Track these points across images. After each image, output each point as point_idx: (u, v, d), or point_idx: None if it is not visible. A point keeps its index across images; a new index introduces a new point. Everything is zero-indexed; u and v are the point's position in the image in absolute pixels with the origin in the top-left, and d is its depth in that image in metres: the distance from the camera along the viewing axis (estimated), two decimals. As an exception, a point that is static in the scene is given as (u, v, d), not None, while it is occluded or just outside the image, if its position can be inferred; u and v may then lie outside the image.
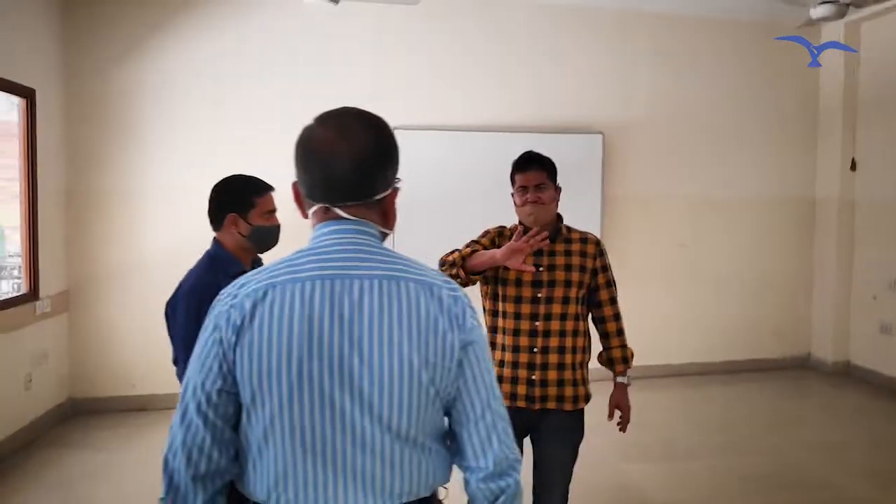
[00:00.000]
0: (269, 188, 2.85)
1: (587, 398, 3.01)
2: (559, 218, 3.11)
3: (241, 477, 1.48)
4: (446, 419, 1.53)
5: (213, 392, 1.41)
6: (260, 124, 6.19)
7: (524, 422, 2.95)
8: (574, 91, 6.99)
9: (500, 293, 3.00)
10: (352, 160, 1.46)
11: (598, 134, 6.97)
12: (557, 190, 3.03)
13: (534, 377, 2.92)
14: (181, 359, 2.59)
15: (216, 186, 2.79)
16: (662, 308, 7.30)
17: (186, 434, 1.42)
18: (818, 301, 7.72)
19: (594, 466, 4.81)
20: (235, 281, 1.49)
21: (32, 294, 5.34)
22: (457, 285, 1.53)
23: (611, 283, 3.07)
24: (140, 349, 6.05)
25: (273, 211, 2.82)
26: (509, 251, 2.70)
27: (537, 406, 2.94)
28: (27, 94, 5.25)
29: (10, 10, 5.17)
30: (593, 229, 6.94)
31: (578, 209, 6.89)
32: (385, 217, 1.55)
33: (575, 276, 2.97)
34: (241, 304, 1.41)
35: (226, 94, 6.16)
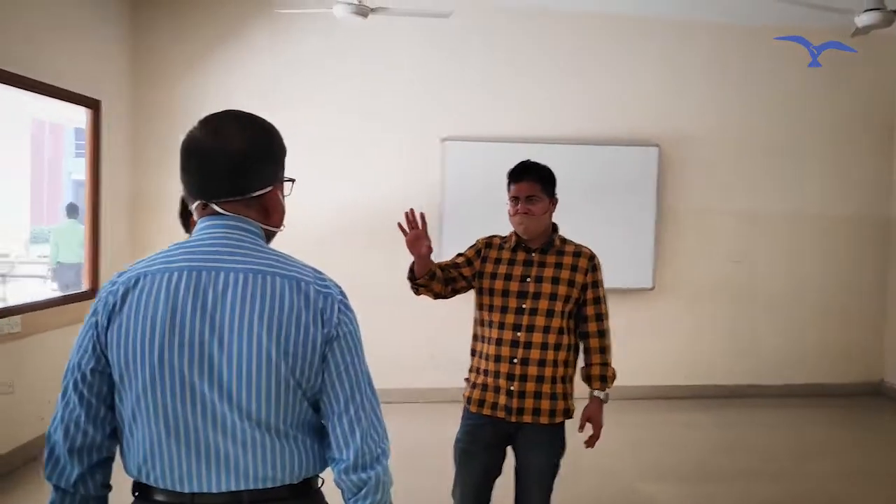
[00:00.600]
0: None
1: (566, 413, 2.99)
2: (554, 228, 3.11)
3: (121, 455, 1.58)
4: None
5: (88, 371, 1.50)
6: (310, 135, 6.39)
7: (503, 431, 2.98)
8: (629, 102, 6.89)
9: (488, 303, 3.02)
10: (226, 159, 1.53)
11: (654, 146, 6.84)
12: (553, 202, 3.04)
13: (512, 388, 2.93)
14: None
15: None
16: (715, 326, 7.09)
17: (64, 410, 1.52)
18: (893, 324, 7.32)
19: (607, 484, 4.75)
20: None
21: (92, 292, 5.71)
22: (330, 283, 1.57)
23: (599, 300, 3.02)
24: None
25: None
26: (409, 241, 2.84)
27: (514, 418, 2.94)
28: (93, 105, 5.62)
29: (83, 26, 5.56)
30: (646, 244, 6.83)
31: (631, 223, 6.79)
32: (266, 213, 1.60)
33: (562, 289, 2.95)
34: (116, 291, 1.50)
35: (278, 104, 6.38)
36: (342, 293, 1.57)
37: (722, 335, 7.11)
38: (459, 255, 3.14)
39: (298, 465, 1.53)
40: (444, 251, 6.60)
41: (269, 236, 1.63)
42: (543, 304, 2.92)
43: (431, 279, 2.94)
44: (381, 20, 5.46)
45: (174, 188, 5.80)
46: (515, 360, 2.92)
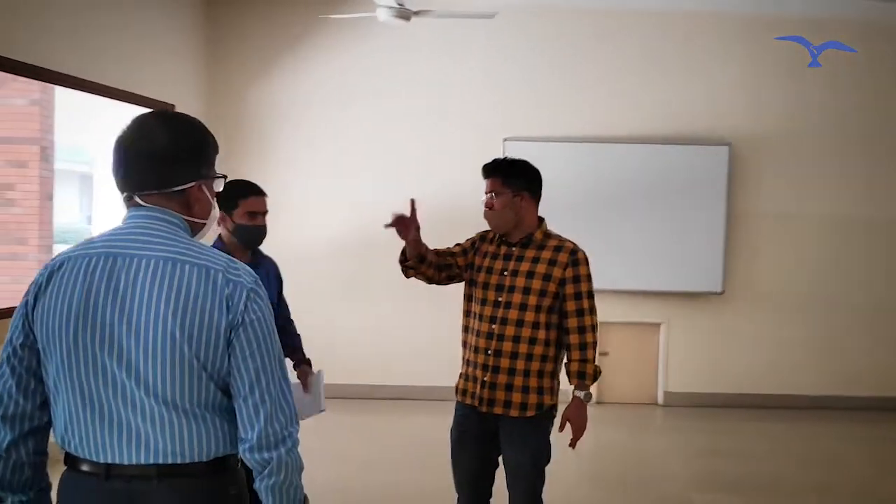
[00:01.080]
0: (256, 193, 3.14)
1: (539, 407, 2.96)
2: (541, 223, 3.11)
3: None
4: None
5: (18, 346, 1.63)
6: (373, 137, 6.58)
7: (487, 423, 3.01)
8: (697, 99, 6.67)
9: (472, 294, 3.11)
10: (147, 155, 1.65)
11: (725, 145, 6.60)
12: (522, 196, 3.03)
13: (486, 378, 2.97)
14: None
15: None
16: (791, 334, 6.70)
17: (8, 378, 1.65)
18: None
19: (661, 493, 4.62)
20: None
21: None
22: (243, 272, 1.65)
23: (580, 295, 2.97)
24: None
25: (257, 213, 3.12)
26: (397, 225, 2.98)
27: (485, 408, 2.98)
28: (168, 109, 6.04)
29: (161, 35, 6.05)
30: (715, 246, 6.57)
31: (699, 225, 6.58)
32: (188, 206, 1.70)
33: (536, 283, 2.96)
34: (44, 273, 1.63)
35: (342, 109, 6.65)
36: (255, 282, 1.66)
37: (799, 342, 6.71)
38: (457, 244, 3.24)
39: (208, 445, 1.62)
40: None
41: (195, 228, 1.74)
42: (517, 298, 2.95)
43: (421, 262, 3.04)
44: (434, 22, 5.58)
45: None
46: (490, 352, 2.97)
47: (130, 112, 6.25)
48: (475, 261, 3.12)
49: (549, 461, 3.03)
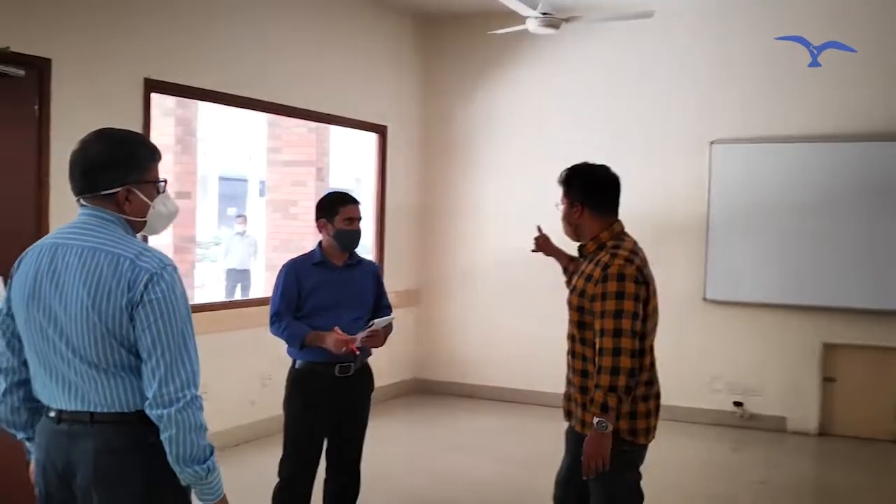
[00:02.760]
0: (353, 202, 3.51)
1: (587, 424, 2.77)
2: (611, 233, 2.92)
3: None
4: None
5: (4, 315, 2.08)
6: (574, 143, 6.56)
7: (573, 439, 2.98)
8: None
9: None
10: (82, 165, 2.01)
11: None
12: (577, 208, 2.91)
13: (565, 390, 3.01)
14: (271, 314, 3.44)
15: (318, 201, 3.54)
16: None
17: (1, 340, 2.08)
18: None
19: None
20: None
21: (377, 288, 6.73)
22: (153, 260, 1.94)
23: (603, 314, 2.73)
24: (471, 344, 7.02)
25: (353, 219, 3.48)
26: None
27: (566, 420, 3.00)
28: (380, 130, 6.69)
29: (376, 62, 6.72)
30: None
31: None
32: (120, 207, 2.02)
33: (574, 299, 2.89)
34: (18, 260, 2.06)
35: (540, 123, 6.74)
36: (163, 269, 1.95)
37: None
38: None
39: (127, 398, 1.96)
40: (711, 262, 6.24)
41: (136, 225, 2.07)
42: (573, 315, 2.91)
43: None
44: (621, 27, 5.45)
45: (457, 202, 6.56)
46: (567, 366, 3.00)
47: (355, 135, 7.11)
48: None
49: (622, 477, 2.87)
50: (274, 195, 9.48)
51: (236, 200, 18.16)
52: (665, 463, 5.40)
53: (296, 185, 9.68)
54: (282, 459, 3.49)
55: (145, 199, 2.06)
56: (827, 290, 5.90)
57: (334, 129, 8.58)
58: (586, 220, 2.92)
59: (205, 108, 8.50)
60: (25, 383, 2.09)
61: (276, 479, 3.49)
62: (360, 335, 3.34)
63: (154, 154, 2.13)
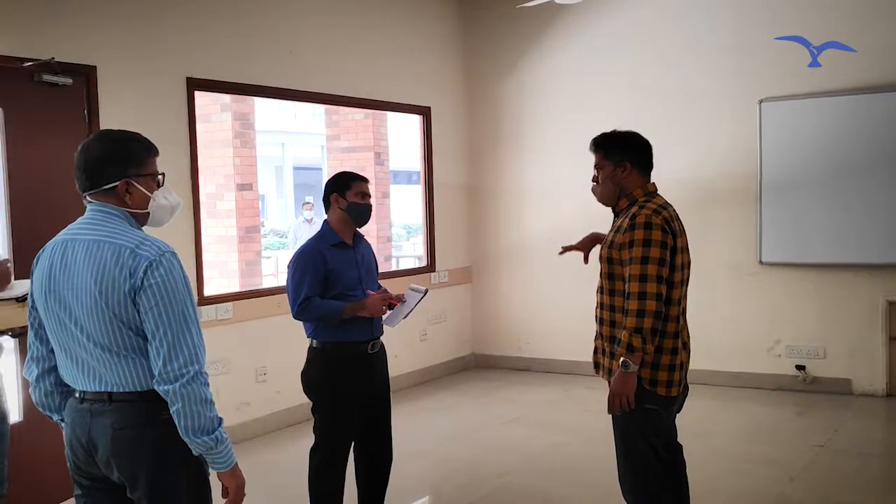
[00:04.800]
0: (364, 179, 3.61)
1: (613, 372, 2.90)
2: (639, 190, 3.02)
3: None
4: None
5: (31, 307, 2.26)
6: (616, 117, 6.49)
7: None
8: None
9: None
10: (83, 164, 2.18)
11: None
12: (624, 167, 3.01)
13: (595, 344, 3.15)
14: (290, 302, 3.51)
15: (328, 179, 3.64)
16: None
17: (30, 331, 2.30)
18: None
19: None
20: None
21: (430, 267, 6.85)
22: (150, 248, 2.08)
23: (631, 260, 2.82)
24: (526, 318, 7.08)
25: (366, 194, 3.58)
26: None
27: (595, 373, 3.17)
28: (423, 112, 6.76)
29: (419, 46, 6.81)
30: None
31: None
32: (121, 200, 2.18)
33: (604, 251, 3.02)
34: (38, 255, 2.23)
35: (584, 93, 6.67)
36: (162, 256, 2.09)
37: None
38: None
39: (139, 378, 2.11)
40: (766, 224, 6.10)
41: (139, 217, 2.22)
42: (603, 267, 3.03)
43: None
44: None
45: (504, 179, 6.63)
46: (595, 319, 3.13)
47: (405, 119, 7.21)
48: None
49: (643, 436, 2.95)
50: (336, 182, 9.71)
51: (313, 189, 18.61)
52: (723, 428, 5.38)
53: (355, 170, 9.82)
54: (317, 440, 3.56)
55: (145, 191, 2.21)
56: (889, 245, 5.69)
57: (391, 113, 8.70)
58: (633, 177, 3.02)
59: (261, 102, 8.76)
60: (55, 370, 2.27)
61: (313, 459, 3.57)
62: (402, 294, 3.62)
63: (150, 149, 2.27)
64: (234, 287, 7.73)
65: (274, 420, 5.48)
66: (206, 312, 5.08)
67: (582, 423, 5.54)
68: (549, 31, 6.85)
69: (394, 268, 9.72)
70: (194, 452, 2.12)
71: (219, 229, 8.14)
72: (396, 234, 13.61)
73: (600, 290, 3.07)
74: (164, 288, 2.08)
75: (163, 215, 2.30)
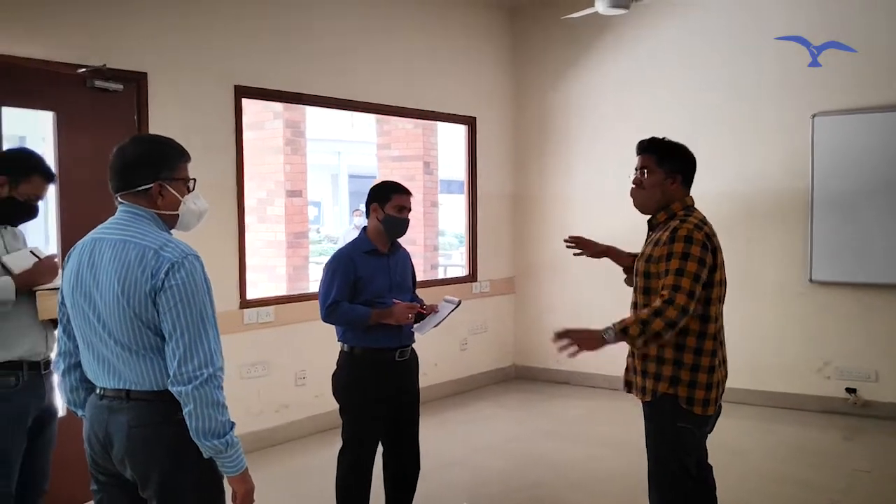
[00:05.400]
0: (406, 192, 3.63)
1: (654, 393, 2.88)
2: (678, 203, 2.95)
3: None
4: None
5: (60, 304, 2.33)
6: (666, 124, 6.40)
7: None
8: None
9: None
10: (118, 167, 2.25)
11: None
12: (675, 179, 2.93)
13: (627, 361, 3.09)
14: (320, 305, 3.57)
15: (371, 187, 3.68)
16: None
17: (59, 326, 2.38)
18: None
19: None
20: None
21: (471, 276, 6.86)
22: (175, 250, 2.13)
23: (667, 272, 2.76)
24: (568, 331, 6.98)
25: (404, 208, 3.60)
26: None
27: (625, 390, 3.10)
28: (468, 122, 6.80)
29: (470, 59, 6.86)
30: None
31: None
32: (153, 202, 2.24)
33: (641, 265, 2.96)
34: (69, 254, 2.30)
35: (630, 105, 6.61)
36: (184, 258, 2.13)
37: None
38: None
39: (156, 377, 2.16)
40: (818, 242, 5.95)
41: (169, 219, 2.28)
42: (639, 282, 2.97)
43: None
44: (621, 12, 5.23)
45: (550, 189, 6.60)
46: None
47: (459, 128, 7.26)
48: None
49: (675, 454, 2.91)
50: (384, 190, 9.82)
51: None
52: (762, 448, 5.25)
53: (404, 179, 9.91)
54: (344, 445, 3.60)
55: (176, 194, 2.28)
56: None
57: (443, 123, 8.76)
58: (678, 191, 2.96)
59: (319, 110, 8.89)
60: (80, 365, 2.33)
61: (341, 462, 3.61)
62: (428, 306, 3.65)
63: (183, 154, 2.34)
64: (281, 291, 7.86)
65: (311, 423, 5.55)
66: (247, 315, 5.20)
67: (618, 438, 5.46)
68: (597, 43, 6.81)
69: (441, 276, 9.75)
70: (204, 455, 2.14)
71: (268, 234, 8.29)
72: (448, 243, 13.64)
73: (634, 305, 3.01)
74: (184, 290, 2.12)
75: (191, 219, 2.36)
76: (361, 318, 3.47)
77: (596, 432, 5.75)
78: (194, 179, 2.35)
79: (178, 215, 2.30)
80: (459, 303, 3.66)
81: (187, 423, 2.10)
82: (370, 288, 3.55)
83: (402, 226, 3.61)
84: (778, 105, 6.07)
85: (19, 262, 3.00)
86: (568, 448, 5.36)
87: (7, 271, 2.96)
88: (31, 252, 3.09)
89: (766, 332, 6.15)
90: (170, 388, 2.12)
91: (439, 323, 3.69)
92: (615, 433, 5.62)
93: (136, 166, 2.24)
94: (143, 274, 2.12)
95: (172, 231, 2.31)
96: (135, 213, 2.24)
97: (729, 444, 5.16)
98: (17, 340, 2.95)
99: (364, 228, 3.68)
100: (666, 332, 2.70)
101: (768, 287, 6.13)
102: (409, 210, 3.63)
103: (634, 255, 3.16)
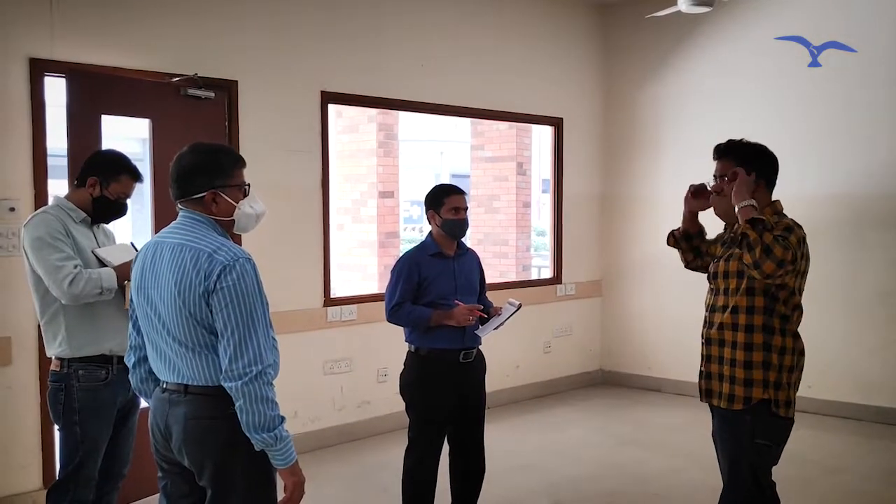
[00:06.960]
0: (457, 192, 3.70)
1: (747, 401, 2.81)
2: (768, 208, 2.89)
3: None
4: None
5: (130, 302, 2.49)
6: (743, 130, 6.17)
7: (713, 415, 3.04)
8: None
9: None
10: (177, 174, 2.38)
11: None
12: (759, 185, 2.86)
13: (702, 368, 3.01)
14: (385, 306, 3.67)
15: (426, 195, 3.74)
16: None
17: (129, 321, 2.50)
18: None
19: None
20: None
21: (556, 279, 6.81)
22: (228, 253, 2.24)
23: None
24: (657, 336, 6.85)
25: (459, 208, 3.66)
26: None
27: (702, 399, 3.01)
28: (555, 123, 6.75)
29: (558, 60, 6.83)
30: None
31: None
32: (208, 209, 2.37)
33: (732, 265, 2.87)
34: (136, 254, 2.50)
35: (720, 104, 6.39)
36: (236, 261, 2.24)
37: None
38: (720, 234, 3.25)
39: (211, 373, 2.28)
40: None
41: (225, 224, 2.40)
42: (721, 283, 2.92)
43: (687, 240, 3.26)
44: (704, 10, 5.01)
45: (638, 190, 6.53)
46: (703, 341, 2.99)
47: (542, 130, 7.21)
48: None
49: (751, 469, 2.86)
50: (477, 190, 9.84)
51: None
52: (858, 466, 4.97)
53: (497, 180, 9.93)
54: (409, 444, 3.68)
55: (230, 200, 2.41)
56: None
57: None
58: (761, 196, 2.88)
59: (405, 114, 9.04)
60: (148, 359, 2.49)
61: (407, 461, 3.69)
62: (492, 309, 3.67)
63: (237, 161, 2.46)
64: (373, 289, 8.04)
65: (392, 420, 5.65)
66: (331, 314, 5.37)
67: (703, 450, 5.22)
68: (687, 42, 6.62)
69: (534, 277, 9.71)
70: (255, 447, 2.24)
71: (362, 234, 8.50)
72: (543, 243, 13.55)
73: (711, 308, 2.92)
74: (235, 291, 2.23)
75: (248, 223, 2.48)
76: (422, 318, 3.54)
77: (681, 443, 5.58)
78: (248, 184, 2.46)
79: (233, 220, 2.42)
80: (520, 306, 3.66)
81: (238, 417, 2.21)
82: (434, 290, 3.61)
83: (460, 226, 3.67)
84: (886, 102, 5.72)
85: (119, 255, 3.21)
86: (650, 458, 5.23)
87: (103, 265, 3.17)
88: (132, 245, 3.32)
89: (870, 343, 5.82)
90: (222, 383, 2.23)
91: (500, 325, 3.70)
92: (702, 445, 5.36)
93: (192, 175, 2.36)
94: (198, 276, 2.24)
95: (236, 232, 2.44)
96: (193, 217, 2.37)
97: (822, 460, 4.93)
98: (107, 335, 3.16)
99: (430, 233, 3.74)
100: (769, 252, 2.61)
101: (874, 296, 5.80)
102: (466, 209, 3.67)
103: (703, 233, 3.17)
